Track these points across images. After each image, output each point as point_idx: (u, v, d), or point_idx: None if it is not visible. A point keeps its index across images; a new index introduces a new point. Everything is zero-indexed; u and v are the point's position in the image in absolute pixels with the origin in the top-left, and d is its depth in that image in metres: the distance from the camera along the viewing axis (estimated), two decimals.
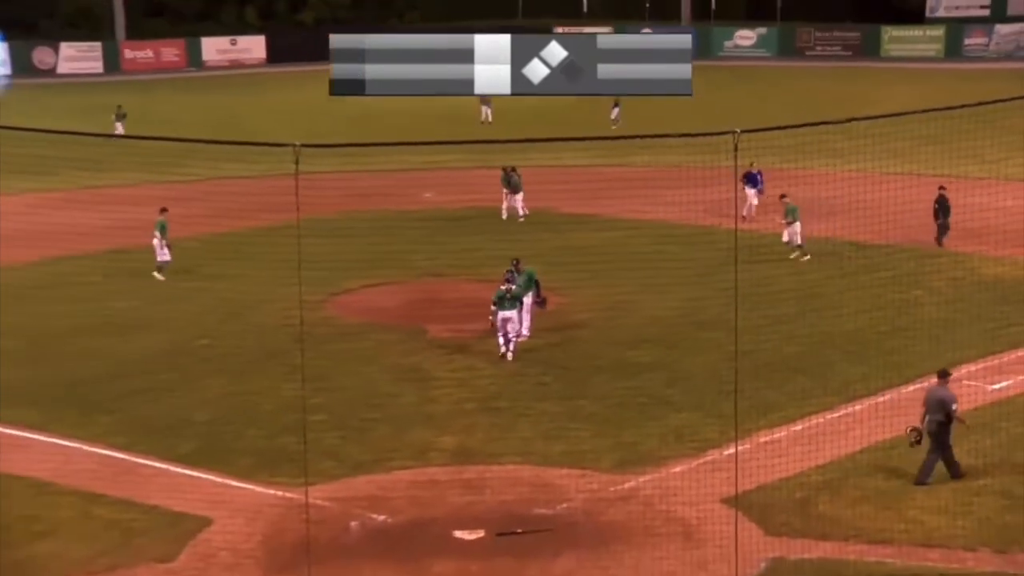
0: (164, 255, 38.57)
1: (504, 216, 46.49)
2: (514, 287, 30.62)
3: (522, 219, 46.05)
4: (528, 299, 31.41)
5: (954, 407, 22.47)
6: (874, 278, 35.69)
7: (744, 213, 43.20)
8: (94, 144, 50.53)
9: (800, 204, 41.50)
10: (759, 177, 44.98)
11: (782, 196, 41.64)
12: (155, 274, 38.42)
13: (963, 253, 38.71)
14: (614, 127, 66.12)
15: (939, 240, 41.24)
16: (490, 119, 71.15)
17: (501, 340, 30.37)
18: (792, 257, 39.86)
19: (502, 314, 30.16)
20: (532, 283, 31.69)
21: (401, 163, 47.64)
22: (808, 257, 39.66)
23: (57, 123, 69.15)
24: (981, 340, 29.95)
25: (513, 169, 46.57)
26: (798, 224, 40.45)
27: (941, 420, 22.35)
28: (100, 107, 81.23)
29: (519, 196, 46.51)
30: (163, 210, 39.12)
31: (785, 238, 40.66)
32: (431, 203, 47.47)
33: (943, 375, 23.15)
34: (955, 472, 22.42)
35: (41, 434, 25.13)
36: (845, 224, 40.92)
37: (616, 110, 69.63)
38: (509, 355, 30.19)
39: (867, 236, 40.40)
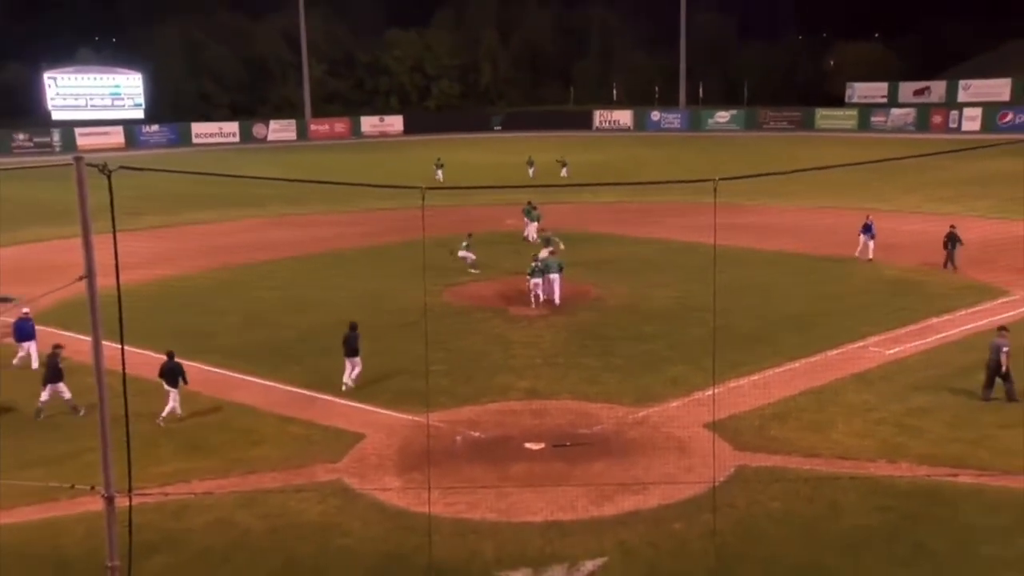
0: (471, 258, 37.55)
1: (524, 236, 43.52)
2: (538, 264, 32.64)
3: (535, 242, 41.78)
4: (558, 276, 32.42)
5: (1005, 350, 22.29)
6: (810, 278, 35.40)
7: (858, 254, 37.87)
8: (291, 186, 50.91)
9: (760, 229, 41.09)
10: (872, 227, 38.10)
11: (541, 231, 38.84)
12: (471, 270, 37.39)
13: (871, 261, 38.06)
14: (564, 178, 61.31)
15: (947, 264, 36.09)
16: (532, 176, 66.06)
17: (532, 298, 32.32)
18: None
19: (532, 280, 32.36)
20: (559, 266, 32.72)
21: (491, 200, 47.65)
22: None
23: (267, 172, 70.17)
24: (882, 320, 29.56)
25: (535, 207, 43.97)
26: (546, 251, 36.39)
27: (998, 360, 22.26)
28: (294, 162, 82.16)
29: (535, 225, 43.46)
30: (470, 235, 38.33)
31: (534, 240, 38.36)
32: (512, 226, 47.35)
33: (1002, 328, 23.04)
34: (1011, 395, 22.39)
35: (252, 377, 25.42)
36: (791, 241, 40.62)
37: (564, 170, 65.09)
38: (534, 306, 32.06)
39: (806, 249, 40.14)
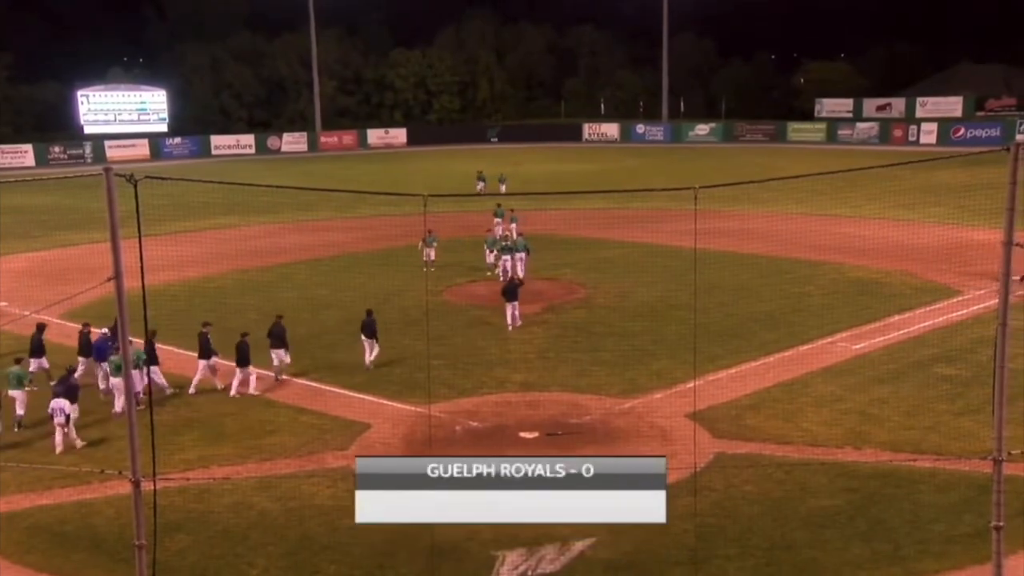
0: (492, 258, 37.21)
1: (497, 236, 40.44)
2: (507, 243, 35.96)
3: (507, 242, 38.59)
4: (524, 255, 34.96)
5: None
6: (782, 278, 35.35)
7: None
8: (303, 194, 50.78)
9: (737, 233, 40.95)
10: None
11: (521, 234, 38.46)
12: (488, 272, 36.89)
13: (837, 263, 37.99)
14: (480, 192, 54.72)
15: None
16: (484, 190, 57.18)
17: (500, 272, 35.00)
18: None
19: (502, 257, 35.26)
20: (525, 247, 35.30)
21: (483, 207, 47.41)
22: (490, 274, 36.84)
23: (281, 182, 70.00)
24: (848, 317, 29.53)
25: (504, 207, 42.77)
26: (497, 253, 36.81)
27: None
28: (306, 172, 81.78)
29: (514, 226, 41.33)
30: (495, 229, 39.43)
31: (516, 239, 37.44)
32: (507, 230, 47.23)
33: None
34: None
35: (268, 371, 25.32)
36: (763, 245, 40.52)
37: (481, 184, 57.73)
38: (502, 279, 33.70)
39: (778, 252, 39.99)
